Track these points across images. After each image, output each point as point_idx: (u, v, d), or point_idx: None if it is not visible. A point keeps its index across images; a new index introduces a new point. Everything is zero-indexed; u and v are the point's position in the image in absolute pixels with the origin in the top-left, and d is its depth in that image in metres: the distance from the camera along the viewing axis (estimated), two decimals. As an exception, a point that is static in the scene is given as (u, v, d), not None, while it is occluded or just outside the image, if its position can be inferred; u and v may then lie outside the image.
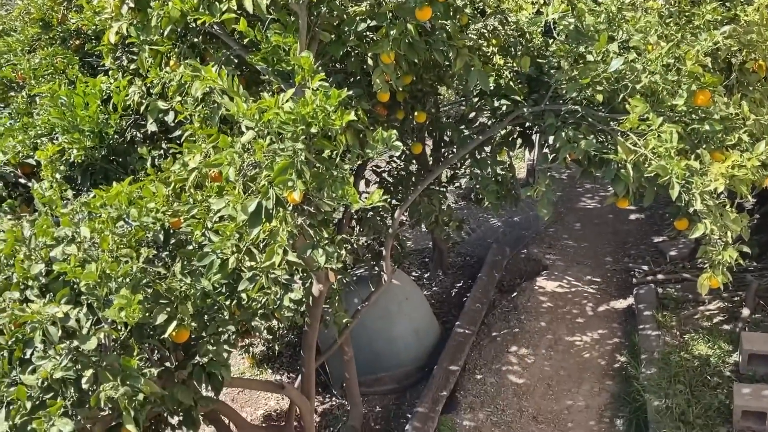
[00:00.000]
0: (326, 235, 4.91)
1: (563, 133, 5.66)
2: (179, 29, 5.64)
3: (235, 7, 5.05)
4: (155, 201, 4.95)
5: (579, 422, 8.32)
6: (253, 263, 4.92)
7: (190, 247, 5.06)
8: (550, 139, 5.97)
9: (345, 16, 5.41)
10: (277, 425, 9.00)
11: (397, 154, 7.52)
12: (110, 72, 6.32)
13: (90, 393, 4.03)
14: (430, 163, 9.02)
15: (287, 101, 4.47)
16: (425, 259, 12.33)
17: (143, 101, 5.96)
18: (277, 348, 9.97)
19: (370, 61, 5.63)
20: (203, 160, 5.02)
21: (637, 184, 5.36)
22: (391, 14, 5.24)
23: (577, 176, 13.70)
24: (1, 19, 7.44)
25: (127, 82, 6.03)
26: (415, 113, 6.96)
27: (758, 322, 8.99)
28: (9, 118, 6.56)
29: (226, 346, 5.09)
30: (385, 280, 7.64)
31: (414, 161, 8.79)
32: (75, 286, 4.27)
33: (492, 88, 6.12)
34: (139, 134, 6.51)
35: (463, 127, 7.22)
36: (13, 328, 4.06)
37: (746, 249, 5.14)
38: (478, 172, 7.35)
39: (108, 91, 6.09)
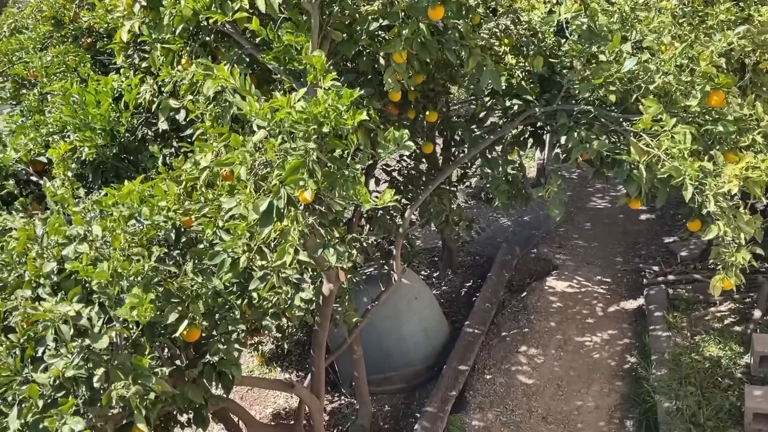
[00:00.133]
0: (337, 235, 4.90)
1: (575, 134, 5.64)
2: (191, 28, 5.65)
3: (247, 6, 5.04)
4: (167, 199, 4.96)
5: (589, 423, 8.29)
6: (264, 262, 4.93)
7: (201, 246, 5.07)
8: (562, 139, 5.95)
9: (357, 15, 5.40)
10: (286, 424, 9.00)
11: (407, 153, 7.52)
12: (122, 70, 6.34)
13: (101, 392, 4.04)
14: (440, 162, 9.01)
15: (299, 100, 4.46)
16: (434, 258, 12.31)
17: (155, 99, 5.96)
18: (286, 346, 9.97)
19: (381, 61, 5.62)
20: (215, 158, 5.03)
21: (649, 184, 5.33)
22: (403, 13, 5.23)
23: (587, 176, 13.70)
24: (13, 16, 7.45)
25: (139, 80, 6.04)
26: (427, 113, 6.95)
27: (770, 324, 8.96)
28: (21, 115, 6.58)
29: (236, 345, 5.09)
30: (395, 280, 7.62)
31: (424, 160, 8.78)
32: (87, 284, 4.28)
33: (504, 87, 6.10)
34: (150, 132, 6.52)
35: (474, 126, 7.20)
36: (25, 326, 4.07)
37: (759, 251, 5.11)
38: (489, 171, 7.32)
39: (119, 89, 6.10)
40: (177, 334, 4.50)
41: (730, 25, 5.70)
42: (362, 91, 5.28)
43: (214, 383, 5.19)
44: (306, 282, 5.29)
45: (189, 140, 5.89)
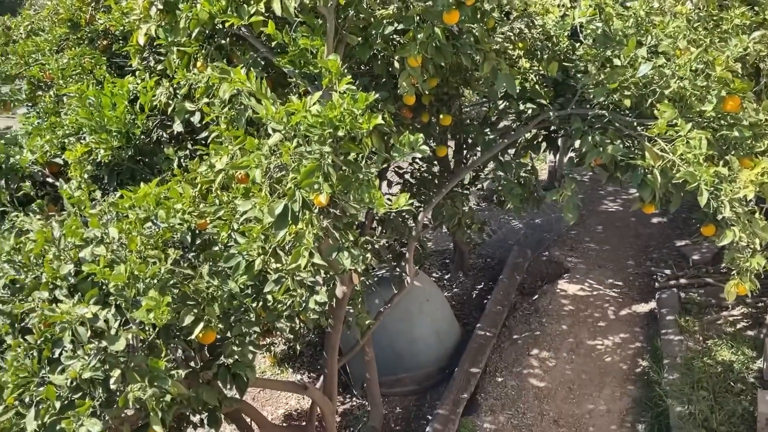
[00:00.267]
0: (351, 238, 4.91)
1: (590, 138, 5.64)
2: (206, 31, 5.68)
3: (263, 10, 5.07)
4: (182, 202, 4.98)
5: (600, 426, 8.28)
6: (278, 265, 4.95)
7: (216, 248, 5.09)
8: (576, 143, 5.95)
9: (372, 19, 5.42)
10: (298, 425, 9.03)
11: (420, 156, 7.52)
12: (137, 72, 6.37)
13: (118, 393, 4.06)
14: (452, 165, 9.02)
15: (314, 104, 4.48)
16: (446, 261, 12.31)
17: (170, 102, 5.99)
18: (298, 347, 9.99)
19: (396, 64, 5.64)
20: (230, 161, 5.06)
21: (663, 189, 5.33)
22: (418, 18, 5.24)
23: (599, 179, 13.66)
24: (30, 18, 7.50)
25: (155, 82, 6.07)
26: (441, 116, 6.96)
27: (783, 329, 8.92)
28: (37, 117, 6.62)
29: (251, 347, 5.11)
30: (408, 283, 7.63)
31: (436, 163, 8.78)
32: (103, 286, 4.31)
33: (518, 91, 6.11)
34: (165, 134, 6.55)
35: (487, 130, 7.21)
36: (42, 328, 4.10)
37: (774, 256, 5.10)
38: (502, 174, 7.32)
39: (135, 92, 6.14)
40: (193, 337, 4.52)
41: (745, 29, 5.69)
42: (377, 95, 5.31)
43: (228, 385, 5.21)
44: (320, 285, 5.31)
45: (203, 143, 5.92)
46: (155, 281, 4.28)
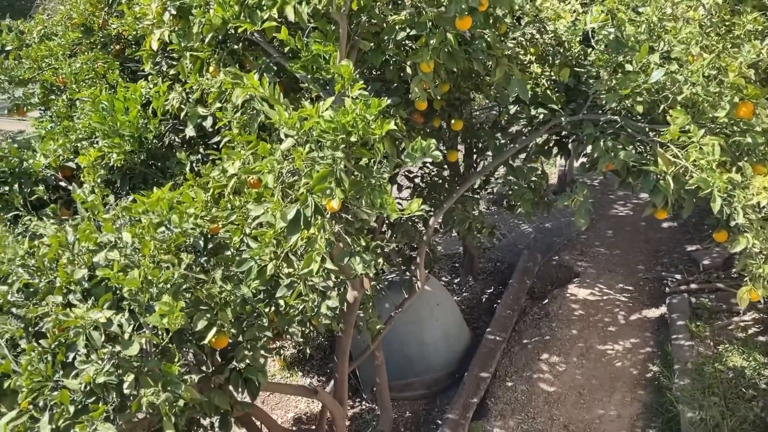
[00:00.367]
0: (363, 243, 4.92)
1: (602, 143, 5.63)
2: (219, 36, 5.70)
3: (276, 16, 5.08)
4: (195, 206, 5.00)
5: (610, 432, 8.27)
6: (290, 270, 4.96)
7: (228, 253, 5.10)
8: (588, 148, 5.94)
9: (384, 24, 5.42)
10: (308, 429, 9.03)
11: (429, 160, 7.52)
12: (149, 77, 6.40)
13: (131, 398, 4.08)
14: (462, 169, 9.02)
15: (327, 110, 4.49)
16: (455, 264, 12.31)
17: (183, 107, 6.02)
18: (308, 351, 10.00)
19: (408, 69, 5.64)
20: (242, 166, 5.07)
21: (676, 195, 5.31)
22: (431, 23, 5.24)
23: (609, 183, 13.66)
24: (43, 23, 7.53)
25: (167, 87, 6.09)
26: (452, 121, 6.97)
27: (794, 334, 8.89)
28: (50, 121, 6.65)
29: (262, 352, 5.13)
30: (419, 287, 7.63)
31: (446, 167, 8.79)
32: (117, 291, 4.32)
33: (529, 96, 6.10)
34: (177, 139, 6.58)
35: (498, 134, 7.21)
36: (56, 333, 4.12)
37: (787, 262, 5.08)
38: (513, 179, 7.32)
39: (147, 96, 6.16)
40: (205, 342, 4.53)
41: (758, 35, 5.67)
42: (389, 100, 5.31)
43: (239, 389, 5.22)
44: (331, 290, 5.32)
45: (215, 147, 5.94)
46: (168, 286, 4.29)
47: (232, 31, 5.62)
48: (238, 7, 5.18)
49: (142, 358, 4.19)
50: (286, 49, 5.38)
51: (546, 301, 10.75)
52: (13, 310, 4.42)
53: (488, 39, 5.51)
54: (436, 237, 11.97)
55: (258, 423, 6.99)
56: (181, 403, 4.09)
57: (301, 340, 8.59)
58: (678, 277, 10.71)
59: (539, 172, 7.66)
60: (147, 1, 5.72)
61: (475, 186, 9.10)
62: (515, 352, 9.68)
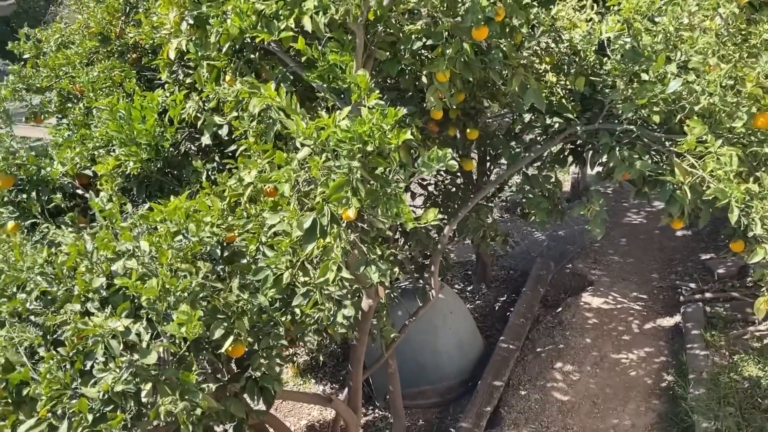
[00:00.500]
0: (378, 252, 4.93)
1: (618, 153, 5.62)
2: (236, 45, 5.73)
3: (293, 26, 5.11)
4: (211, 215, 5.03)
5: (625, 442, 8.23)
6: (306, 279, 4.98)
7: (243, 261, 5.12)
8: (604, 157, 5.93)
9: (401, 34, 5.44)
10: (320, 436, 9.05)
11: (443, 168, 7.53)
12: (166, 86, 6.44)
13: (149, 406, 4.09)
14: (475, 177, 9.02)
15: (343, 119, 4.51)
16: (468, 272, 12.30)
17: (199, 115, 6.05)
18: (321, 358, 10.01)
19: (423, 79, 5.66)
20: (259, 175, 5.10)
21: (692, 205, 5.30)
22: (447, 33, 5.26)
23: (622, 191, 13.63)
24: (60, 31, 7.59)
25: (184, 96, 6.13)
26: (468, 130, 6.97)
27: (810, 344, 8.83)
28: (67, 129, 6.69)
29: (278, 360, 5.14)
30: (433, 296, 7.63)
31: (459, 174, 8.79)
32: (135, 299, 4.35)
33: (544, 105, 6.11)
34: (193, 147, 6.61)
35: (513, 143, 7.21)
36: (75, 341, 4.14)
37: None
38: (528, 188, 7.31)
39: (164, 105, 6.20)
40: (222, 350, 4.55)
41: (774, 43, 5.66)
42: (405, 110, 5.33)
43: (255, 397, 5.24)
44: (347, 298, 5.33)
45: (230, 155, 5.97)
46: (186, 295, 4.31)
47: (249, 41, 5.66)
48: (255, 17, 5.21)
49: (159, 367, 4.20)
50: (303, 59, 5.41)
51: (559, 309, 10.72)
52: (32, 317, 4.45)
53: (504, 48, 5.52)
54: (449, 244, 11.96)
55: (272, 431, 7.00)
56: (198, 411, 4.11)
57: (313, 347, 8.61)
58: (692, 285, 10.66)
59: (553, 180, 7.65)
60: (164, 11, 5.76)
61: (489, 194, 9.10)
62: (529, 361, 9.65)
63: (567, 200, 13.31)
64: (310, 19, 4.95)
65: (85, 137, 6.23)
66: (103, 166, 5.73)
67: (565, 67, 6.23)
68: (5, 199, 5.96)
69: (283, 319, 4.97)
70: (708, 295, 10.27)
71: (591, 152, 6.73)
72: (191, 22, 5.63)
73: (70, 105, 7.09)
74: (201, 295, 4.45)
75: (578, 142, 6.93)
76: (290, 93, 4.85)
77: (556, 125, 6.34)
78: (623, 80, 5.64)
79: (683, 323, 9.77)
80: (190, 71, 6.31)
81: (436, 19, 5.31)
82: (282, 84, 5.56)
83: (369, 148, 4.45)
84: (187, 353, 4.42)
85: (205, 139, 6.11)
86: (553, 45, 6.18)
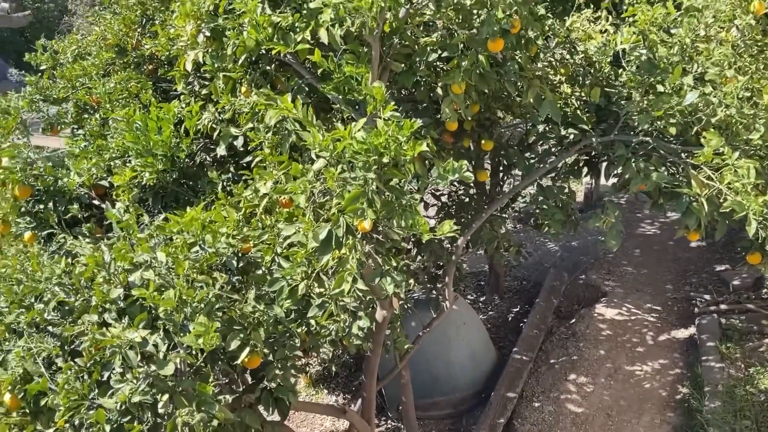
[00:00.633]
0: (394, 263, 4.93)
1: (633, 165, 5.60)
2: (252, 57, 5.76)
3: (309, 38, 5.13)
4: (227, 226, 5.04)
5: (639, 454, 8.18)
6: (322, 290, 4.98)
7: (259, 272, 5.13)
8: (619, 169, 5.92)
9: (416, 46, 5.46)
10: (333, 447, 9.03)
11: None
12: (182, 97, 6.47)
13: (166, 417, 4.10)
14: (488, 187, 9.01)
15: (359, 131, 4.51)
16: (480, 283, 12.27)
17: (215, 126, 6.08)
18: (333, 368, 9.99)
19: (438, 90, 5.67)
20: (274, 186, 5.11)
21: (709, 217, 5.27)
22: (462, 45, 5.27)
23: (635, 202, 13.57)
24: (77, 43, 7.64)
25: (199, 107, 6.16)
26: (482, 141, 6.97)
27: (827, 357, 8.76)
28: (83, 140, 6.73)
29: (293, 371, 5.14)
30: (447, 307, 7.62)
31: (472, 185, 8.79)
32: (152, 310, 4.36)
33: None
34: (208, 158, 6.63)
35: (527, 154, 7.20)
36: (93, 351, 4.16)
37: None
38: (542, 199, 7.30)
39: (179, 116, 6.23)
40: (238, 362, 4.55)
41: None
42: (420, 121, 5.34)
43: (270, 408, 5.23)
44: (362, 310, 5.33)
45: (245, 166, 5.99)
46: (203, 306, 4.32)
47: (264, 52, 5.68)
48: (271, 30, 5.23)
49: (176, 378, 4.21)
50: (318, 71, 5.43)
51: (573, 320, 10.68)
52: (50, 328, 4.47)
53: (520, 60, 5.52)
54: (462, 255, 11.94)
55: (285, 441, 6.99)
56: (215, 423, 4.11)
57: (326, 357, 8.59)
58: (707, 297, 10.59)
59: (567, 190, 7.63)
60: (181, 23, 5.79)
61: (502, 205, 9.09)
62: (542, 372, 9.61)
63: (580, 211, 13.28)
64: (326, 31, 4.97)
65: (102, 148, 6.25)
66: (120, 177, 5.75)
67: (580, 78, 6.23)
68: (23, 209, 6.00)
69: (299, 330, 4.97)
70: (723, 306, 10.20)
71: (606, 163, 6.72)
72: (208, 34, 5.66)
73: (86, 116, 7.12)
74: (217, 306, 4.46)
75: (593, 153, 6.92)
76: (306, 105, 4.87)
77: (571, 136, 6.33)
78: (639, 92, 5.63)
79: (698, 335, 9.71)
80: (206, 82, 6.34)
81: (451, 32, 5.33)
82: (298, 95, 5.58)
83: (385, 160, 4.45)
84: (203, 364, 4.43)
85: (221, 150, 6.14)
86: (567, 56, 6.18)
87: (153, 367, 4.08)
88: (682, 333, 10.14)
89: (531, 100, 5.57)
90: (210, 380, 4.41)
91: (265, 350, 4.78)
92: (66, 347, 4.41)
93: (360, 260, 4.65)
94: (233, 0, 5.40)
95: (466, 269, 12.14)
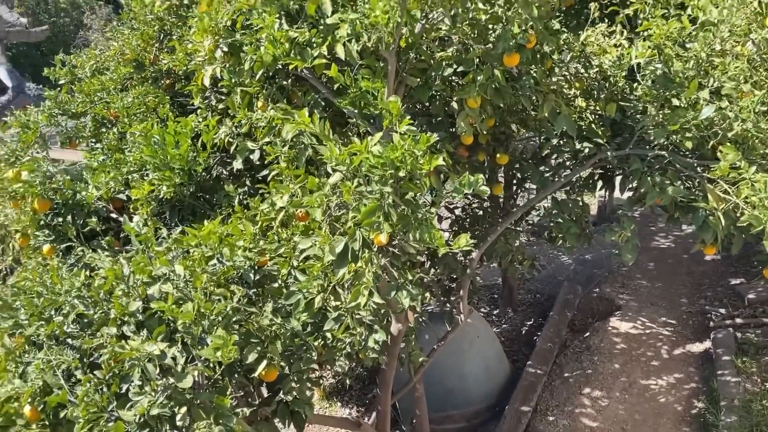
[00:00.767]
0: (410, 277, 4.95)
1: (649, 179, 5.61)
2: (269, 72, 5.81)
3: (326, 53, 5.18)
4: (244, 239, 5.07)
5: (655, 469, 8.13)
6: (338, 303, 5.00)
7: (275, 285, 5.16)
8: (634, 183, 5.92)
9: (432, 61, 5.49)
10: (347, 460, 9.01)
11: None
12: (198, 111, 6.53)
13: (184, 430, 4.12)
14: (502, 201, 9.01)
15: (375, 145, 4.55)
16: (494, 296, 12.25)
17: (232, 140, 6.13)
18: (347, 381, 10.00)
19: (454, 104, 5.70)
20: (291, 200, 5.15)
21: (726, 231, 5.27)
22: (478, 60, 5.30)
23: (649, 215, 13.54)
24: (95, 58, 7.73)
25: (216, 121, 6.21)
26: (498, 155, 6.99)
27: None
28: (101, 153, 6.80)
29: (309, 384, 5.16)
30: (462, 321, 7.62)
31: (486, 198, 8.80)
32: (171, 323, 4.39)
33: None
34: (225, 171, 6.68)
35: (542, 167, 7.22)
36: (112, 364, 4.19)
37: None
38: (557, 212, 7.30)
39: (197, 130, 6.29)
40: (255, 375, 4.58)
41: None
42: (436, 135, 5.37)
43: (286, 422, 5.25)
44: (378, 323, 5.34)
45: (261, 180, 6.03)
46: (220, 318, 4.35)
47: (281, 67, 5.74)
48: (288, 45, 5.28)
49: (194, 391, 4.23)
50: (335, 86, 5.47)
51: (587, 334, 10.64)
52: (69, 340, 4.51)
53: (535, 75, 5.55)
54: (476, 268, 11.93)
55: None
56: (232, 436, 4.13)
57: (340, 370, 8.59)
58: (722, 311, 10.54)
59: (581, 204, 7.63)
60: (199, 38, 5.86)
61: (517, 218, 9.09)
62: (556, 386, 9.58)
63: (593, 224, 13.26)
64: (342, 47, 5.02)
65: (119, 162, 6.32)
66: (138, 191, 5.80)
67: (595, 92, 6.25)
68: (42, 222, 6.06)
69: (315, 343, 4.99)
70: (738, 320, 10.15)
71: (621, 177, 6.72)
72: (225, 49, 5.72)
73: (104, 130, 7.20)
74: (234, 319, 4.49)
75: (608, 166, 6.92)
76: (323, 119, 4.91)
77: (586, 150, 6.34)
78: (654, 106, 5.64)
79: (713, 349, 9.66)
80: (223, 97, 6.39)
81: (467, 46, 5.36)
82: (314, 110, 5.63)
83: (401, 174, 4.48)
84: (221, 377, 4.45)
85: (237, 164, 6.18)
86: (582, 70, 6.21)
87: (171, 380, 4.10)
88: (697, 347, 10.09)
89: (546, 114, 5.59)
90: (228, 393, 4.43)
91: (282, 363, 4.80)
92: (85, 359, 4.44)
93: (376, 273, 4.68)
94: (251, 16, 5.46)
95: (479, 282, 12.11)
